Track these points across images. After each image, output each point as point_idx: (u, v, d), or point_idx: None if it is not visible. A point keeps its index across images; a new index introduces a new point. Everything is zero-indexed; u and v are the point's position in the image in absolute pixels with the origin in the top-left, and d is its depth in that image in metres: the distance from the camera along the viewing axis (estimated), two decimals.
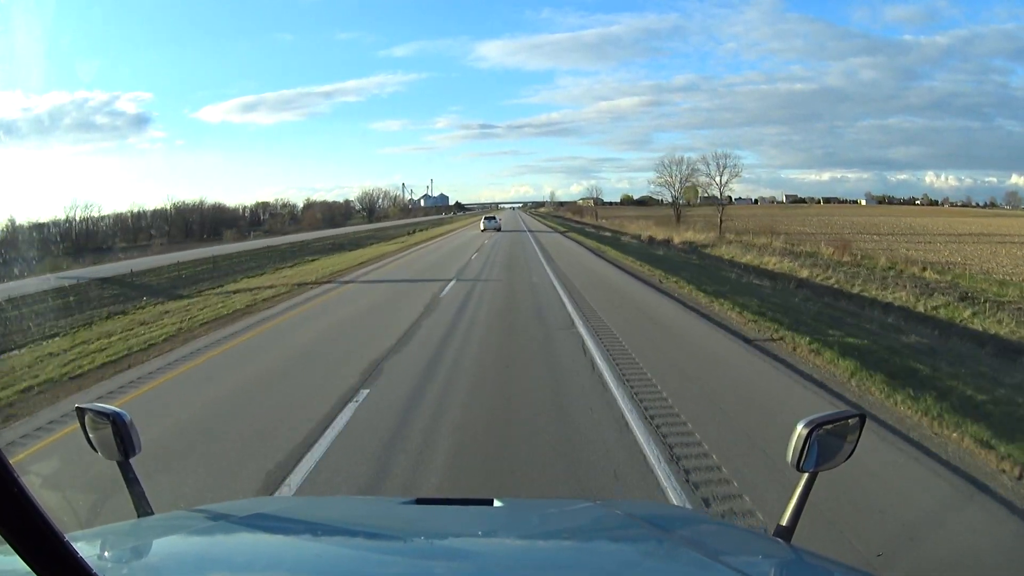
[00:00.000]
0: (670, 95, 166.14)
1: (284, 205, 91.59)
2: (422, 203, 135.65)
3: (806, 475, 1.29)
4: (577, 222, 63.78)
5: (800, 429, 1.26)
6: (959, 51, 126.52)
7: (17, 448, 4.64)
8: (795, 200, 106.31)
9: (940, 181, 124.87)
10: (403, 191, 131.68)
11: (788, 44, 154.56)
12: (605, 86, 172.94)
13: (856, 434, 1.31)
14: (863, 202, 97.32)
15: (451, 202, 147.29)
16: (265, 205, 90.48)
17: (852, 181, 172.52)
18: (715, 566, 1.05)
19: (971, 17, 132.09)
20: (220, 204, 76.95)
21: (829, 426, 1.28)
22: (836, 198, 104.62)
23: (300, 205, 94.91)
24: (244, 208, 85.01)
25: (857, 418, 1.31)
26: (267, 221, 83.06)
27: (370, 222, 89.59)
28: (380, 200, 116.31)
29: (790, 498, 1.30)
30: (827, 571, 1.17)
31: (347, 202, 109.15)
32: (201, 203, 71.13)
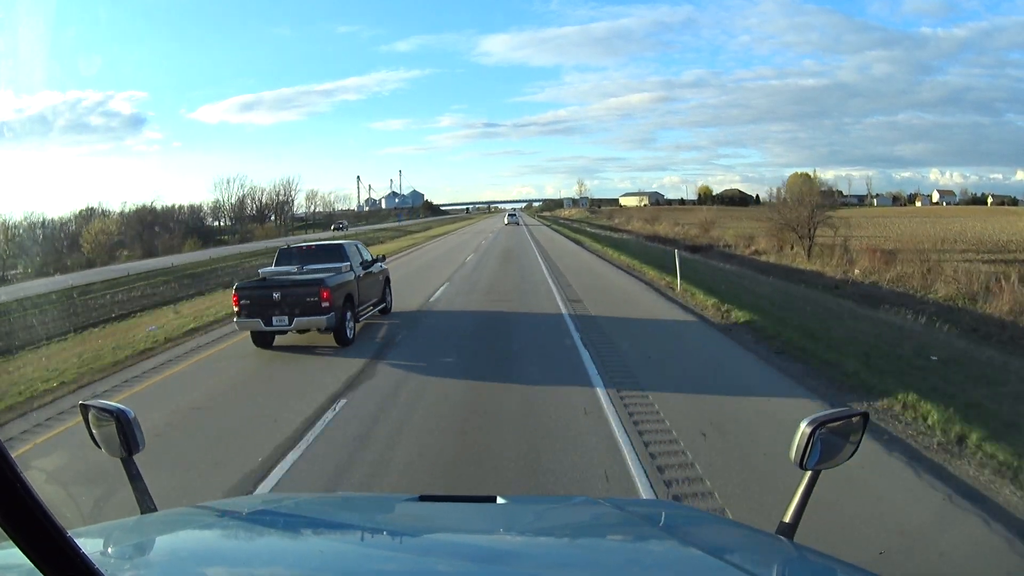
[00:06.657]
0: (679, 91, 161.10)
1: (103, 213, 58.84)
2: (383, 204, 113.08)
3: (809, 473, 1.29)
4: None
5: (804, 427, 1.27)
6: (976, 44, 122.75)
7: None
8: (974, 201, 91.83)
9: (945, 178, 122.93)
10: (358, 188, 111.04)
11: (803, 37, 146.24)
12: (613, 82, 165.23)
13: (859, 433, 1.32)
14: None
15: (446, 203, 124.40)
16: (91, 212, 58.29)
17: (856, 179, 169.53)
18: (717, 563, 1.05)
19: (991, 8, 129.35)
20: None
21: (832, 425, 1.30)
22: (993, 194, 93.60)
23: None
24: None
25: (860, 417, 1.33)
26: None
27: (242, 241, 59.47)
28: (286, 201, 78.50)
29: (793, 496, 1.30)
30: (830, 569, 1.18)
31: (200, 209, 72.37)
32: None
